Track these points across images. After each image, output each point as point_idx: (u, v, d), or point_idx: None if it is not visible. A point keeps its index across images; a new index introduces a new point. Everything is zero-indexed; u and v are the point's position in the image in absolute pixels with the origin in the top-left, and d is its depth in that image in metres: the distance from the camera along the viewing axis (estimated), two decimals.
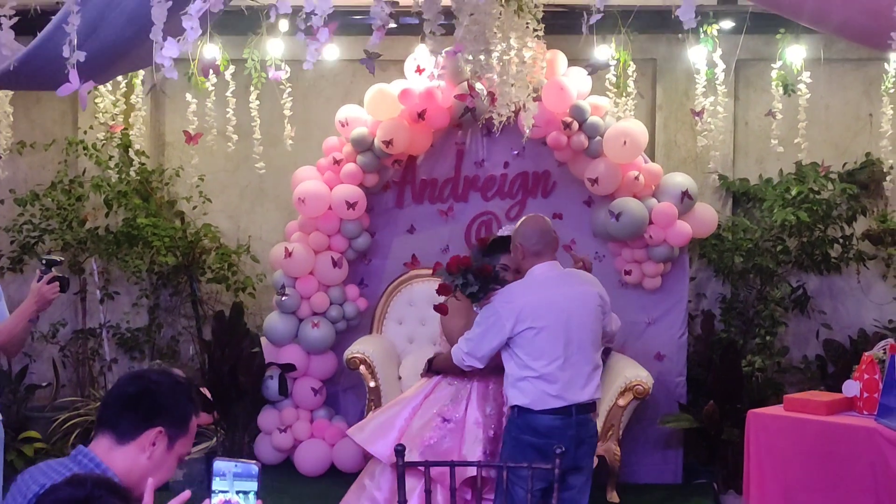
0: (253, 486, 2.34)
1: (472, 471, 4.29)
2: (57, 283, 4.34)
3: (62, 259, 4.62)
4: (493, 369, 4.62)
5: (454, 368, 4.63)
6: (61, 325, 7.74)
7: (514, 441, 4.37)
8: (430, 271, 6.33)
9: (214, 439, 7.02)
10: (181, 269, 7.63)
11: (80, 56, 3.58)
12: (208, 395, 6.78)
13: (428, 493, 3.56)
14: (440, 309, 4.62)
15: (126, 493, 2.15)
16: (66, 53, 3.59)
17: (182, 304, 7.84)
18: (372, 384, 6.40)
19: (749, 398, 6.59)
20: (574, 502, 4.36)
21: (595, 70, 5.85)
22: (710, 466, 6.73)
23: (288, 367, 6.89)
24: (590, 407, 4.41)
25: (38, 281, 4.32)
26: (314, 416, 7.08)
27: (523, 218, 4.70)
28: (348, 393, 7.22)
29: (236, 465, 2.34)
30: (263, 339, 7.06)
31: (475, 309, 4.52)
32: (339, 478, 6.56)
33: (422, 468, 3.69)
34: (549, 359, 4.29)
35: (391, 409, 4.96)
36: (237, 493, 2.33)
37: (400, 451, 3.54)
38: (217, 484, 2.34)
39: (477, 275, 4.44)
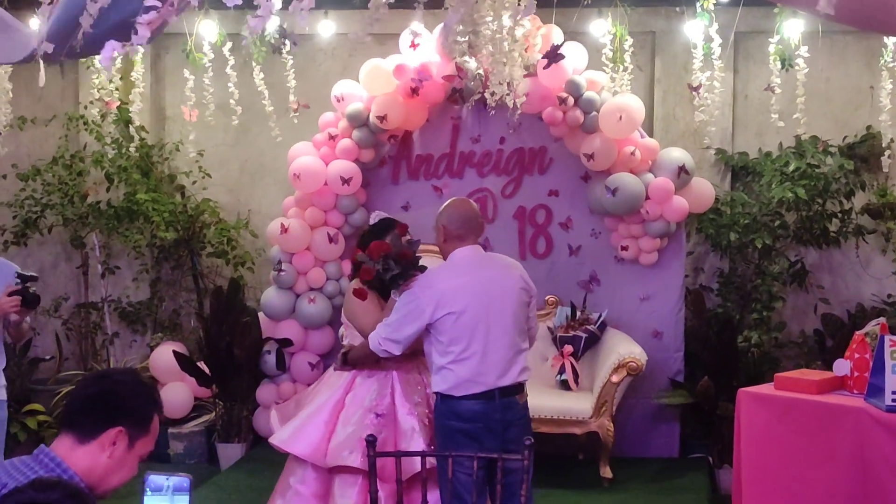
0: (185, 500, 2.36)
1: (417, 466, 4.23)
2: (19, 298, 4.43)
3: (37, 276, 4.67)
4: (410, 356, 4.59)
5: (369, 358, 4.55)
6: (64, 300, 7.81)
7: (441, 428, 4.33)
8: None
9: (213, 413, 7.08)
10: (182, 243, 7.67)
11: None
12: (206, 371, 6.84)
13: (375, 493, 3.58)
14: (359, 293, 4.51)
15: (88, 500, 2.17)
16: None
17: (183, 277, 7.89)
18: None
19: (745, 374, 6.60)
20: (520, 484, 4.34)
21: (554, 59, 5.80)
22: (706, 441, 6.75)
23: (285, 342, 6.93)
24: (515, 389, 4.32)
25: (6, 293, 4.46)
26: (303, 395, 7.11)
27: (448, 200, 4.63)
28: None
29: (168, 479, 2.36)
30: (261, 314, 7.09)
31: (393, 295, 4.44)
32: None
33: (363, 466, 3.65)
34: (470, 343, 4.21)
35: (309, 408, 4.83)
36: None
37: (371, 441, 3.56)
38: (151, 499, 2.36)
39: (397, 260, 4.38)
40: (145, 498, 2.35)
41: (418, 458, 4.06)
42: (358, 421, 4.61)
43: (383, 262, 4.35)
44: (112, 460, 2.50)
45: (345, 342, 4.93)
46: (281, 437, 4.79)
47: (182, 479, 2.36)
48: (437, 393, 4.33)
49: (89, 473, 2.47)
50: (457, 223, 4.39)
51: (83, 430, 2.50)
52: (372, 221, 4.91)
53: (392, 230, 4.74)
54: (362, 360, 4.67)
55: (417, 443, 4.52)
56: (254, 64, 6.12)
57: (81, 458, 2.48)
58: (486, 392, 4.22)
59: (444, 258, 4.46)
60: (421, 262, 4.42)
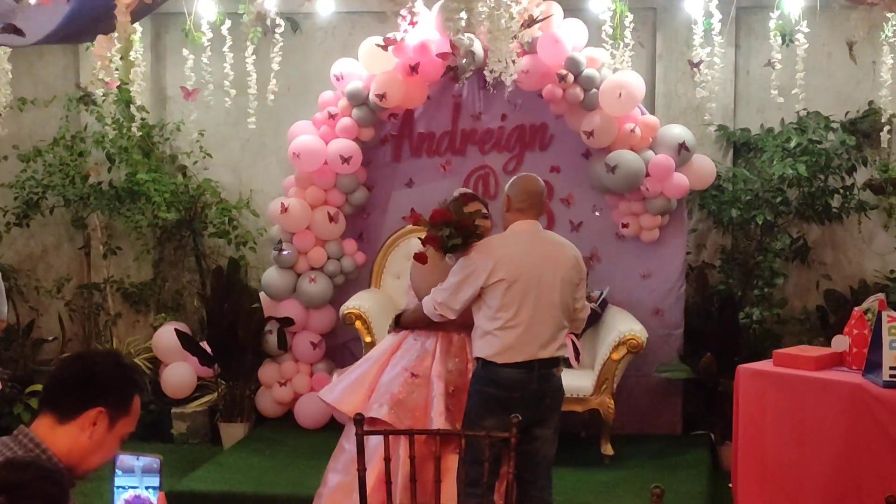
0: (155, 480, 2.37)
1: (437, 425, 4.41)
2: None
3: None
4: (460, 326, 4.68)
5: (421, 322, 4.69)
6: (66, 280, 7.83)
7: (477, 394, 4.47)
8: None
9: (216, 393, 7.11)
10: (183, 223, 7.67)
11: None
12: (208, 350, 6.86)
13: (387, 461, 3.62)
14: (420, 258, 4.66)
15: (62, 480, 2.17)
16: None
17: (185, 258, 7.89)
18: (368, 339, 6.44)
19: (747, 350, 6.60)
20: (539, 454, 4.47)
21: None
22: (708, 418, 6.75)
23: (286, 322, 6.95)
24: (554, 362, 4.48)
25: None
26: (314, 369, 7.15)
27: (519, 174, 4.78)
28: (347, 346, 7.26)
29: (139, 460, 2.37)
30: (262, 294, 7.11)
31: (448, 260, 4.54)
32: (338, 431, 6.51)
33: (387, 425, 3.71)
34: (518, 312, 4.35)
35: (360, 367, 5.00)
36: (146, 488, 2.36)
37: (359, 420, 3.58)
38: (122, 480, 2.36)
39: (458, 228, 4.47)
40: (116, 479, 2.36)
41: (439, 420, 4.42)
42: (395, 377, 4.73)
43: (441, 228, 4.47)
44: (92, 441, 2.50)
45: (405, 303, 5.07)
46: (330, 394, 4.95)
47: (152, 460, 2.36)
48: (478, 359, 4.46)
49: (69, 454, 2.48)
50: (521, 196, 4.54)
51: (63, 411, 2.50)
52: (455, 195, 4.99)
53: (475, 199, 4.91)
54: (414, 323, 4.81)
55: (438, 406, 4.62)
56: (248, 44, 6.09)
57: (61, 438, 2.49)
58: (527, 362, 4.36)
59: (505, 228, 4.61)
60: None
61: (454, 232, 4.46)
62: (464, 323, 4.59)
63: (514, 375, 4.37)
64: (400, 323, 4.92)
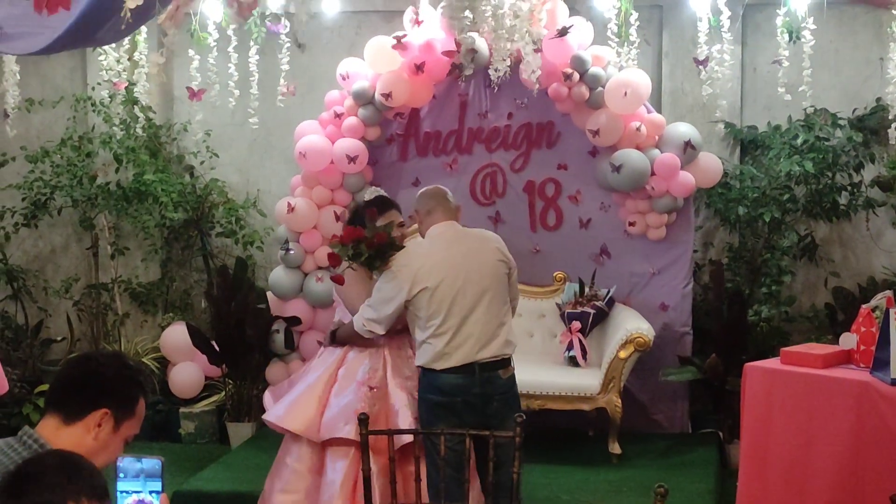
0: (157, 484, 2.35)
1: (408, 438, 4.31)
2: None
3: None
4: (401, 331, 4.65)
5: (357, 336, 4.62)
6: (74, 280, 7.84)
7: (423, 401, 4.44)
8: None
9: (223, 393, 7.12)
10: (191, 223, 7.69)
11: None
12: (216, 349, 6.87)
13: (368, 472, 3.59)
14: (336, 279, 4.61)
15: (74, 472, 2.17)
16: None
17: (193, 258, 7.92)
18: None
19: (755, 348, 6.59)
20: (511, 460, 4.29)
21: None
22: (717, 416, 6.74)
23: (293, 321, 6.96)
24: (497, 364, 4.39)
25: None
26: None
27: None
28: None
29: (141, 462, 2.35)
30: (269, 294, 7.12)
31: (375, 276, 4.50)
32: None
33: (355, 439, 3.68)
34: (447, 317, 4.30)
35: (302, 382, 4.88)
36: (150, 492, 2.34)
37: (363, 419, 3.57)
38: (125, 484, 2.35)
39: (370, 244, 4.42)
40: (118, 482, 2.35)
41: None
42: (352, 393, 4.66)
43: (355, 247, 4.41)
44: (97, 442, 2.52)
45: (335, 319, 4.97)
46: (276, 414, 4.83)
47: (154, 462, 2.35)
48: (419, 367, 4.42)
49: None
50: (423, 202, 4.59)
51: (68, 412, 2.52)
52: (367, 198, 4.95)
53: (390, 208, 4.82)
54: (350, 338, 4.74)
55: (405, 416, 4.57)
56: (251, 44, 6.10)
57: (66, 439, 2.50)
58: (466, 365, 4.29)
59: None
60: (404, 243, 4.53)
61: (364, 249, 4.41)
62: (404, 327, 4.57)
63: (453, 381, 4.31)
64: (336, 338, 4.84)
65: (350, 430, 4.55)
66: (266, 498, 4.90)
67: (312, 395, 4.75)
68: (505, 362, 4.43)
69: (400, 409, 4.61)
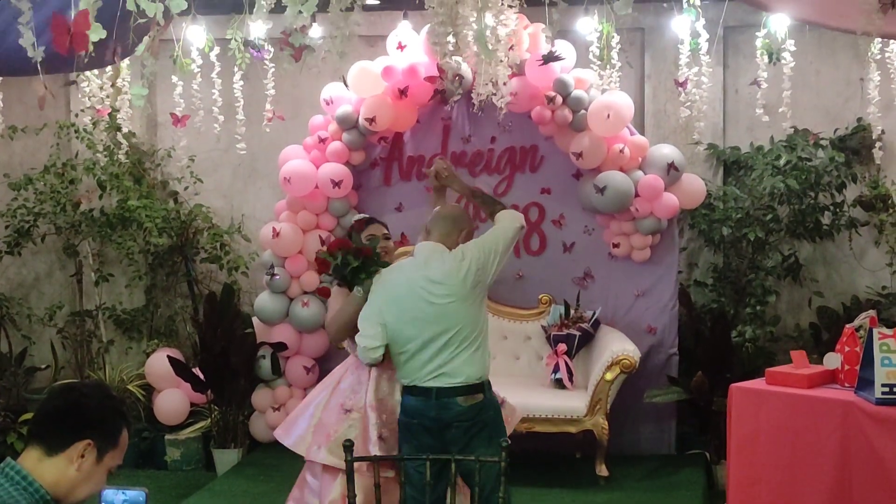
0: None
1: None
2: None
3: None
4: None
5: (342, 319, 4.54)
6: (58, 308, 7.80)
7: (398, 421, 4.41)
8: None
9: (209, 419, 7.08)
10: (175, 249, 7.67)
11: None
12: (201, 376, 6.84)
13: (353, 499, 3.54)
14: (323, 291, 4.61)
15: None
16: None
17: (177, 283, 7.89)
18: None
19: (740, 368, 6.60)
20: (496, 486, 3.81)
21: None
22: (703, 437, 6.74)
23: (279, 347, 6.94)
24: (458, 391, 4.23)
25: None
26: (307, 394, 7.10)
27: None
28: None
29: (125, 494, 2.34)
30: (255, 319, 7.10)
31: (357, 293, 4.45)
32: None
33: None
34: (406, 342, 4.25)
35: (313, 402, 4.83)
36: None
37: (348, 446, 3.54)
38: None
39: (356, 255, 4.42)
40: None
41: (374, 451, 4.28)
42: (331, 414, 4.61)
43: (342, 257, 4.39)
44: (80, 473, 2.50)
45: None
46: (279, 430, 4.86)
47: (138, 494, 2.34)
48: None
49: (56, 486, 2.47)
50: (431, 219, 4.49)
51: (51, 443, 2.50)
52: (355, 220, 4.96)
53: (374, 222, 4.81)
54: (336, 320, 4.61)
55: (371, 438, 4.47)
56: (235, 69, 6.10)
57: (49, 470, 2.48)
58: (424, 389, 4.24)
59: None
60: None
61: (350, 259, 4.40)
62: None
63: (412, 403, 4.28)
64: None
65: (322, 456, 4.50)
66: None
67: (307, 412, 4.73)
68: (468, 389, 4.25)
69: (371, 429, 4.50)
